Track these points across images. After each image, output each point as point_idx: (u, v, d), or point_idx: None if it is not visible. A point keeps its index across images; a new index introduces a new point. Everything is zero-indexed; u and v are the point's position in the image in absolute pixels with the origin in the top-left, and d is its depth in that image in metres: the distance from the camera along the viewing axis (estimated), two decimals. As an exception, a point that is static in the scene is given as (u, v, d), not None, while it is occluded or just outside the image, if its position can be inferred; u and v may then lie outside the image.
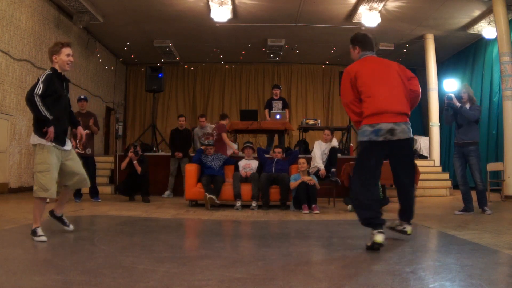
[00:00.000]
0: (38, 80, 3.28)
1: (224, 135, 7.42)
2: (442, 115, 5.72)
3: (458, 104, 5.31)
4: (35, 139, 3.31)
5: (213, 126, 8.16)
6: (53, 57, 3.40)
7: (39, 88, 3.22)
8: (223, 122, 7.72)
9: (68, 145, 3.48)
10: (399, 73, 3.21)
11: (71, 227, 3.68)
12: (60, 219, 3.68)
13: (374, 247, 2.92)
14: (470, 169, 5.42)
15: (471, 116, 5.26)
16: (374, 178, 3.10)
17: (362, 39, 3.34)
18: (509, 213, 5.67)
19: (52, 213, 3.67)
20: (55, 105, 3.34)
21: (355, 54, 3.36)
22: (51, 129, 3.25)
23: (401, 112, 3.07)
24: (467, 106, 5.35)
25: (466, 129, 5.32)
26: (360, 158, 3.19)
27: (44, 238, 3.17)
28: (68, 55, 3.42)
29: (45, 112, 3.22)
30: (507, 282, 2.23)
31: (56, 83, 3.35)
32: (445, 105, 5.42)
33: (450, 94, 5.43)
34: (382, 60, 3.30)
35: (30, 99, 3.21)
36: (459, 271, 2.41)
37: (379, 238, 2.91)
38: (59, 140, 3.36)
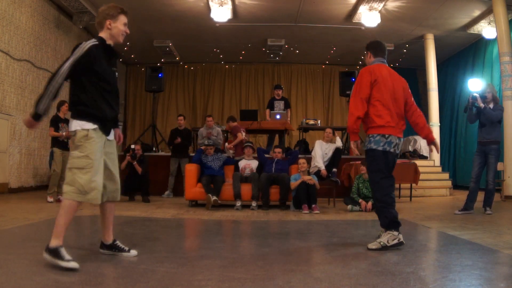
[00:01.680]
0: (73, 51, 2.58)
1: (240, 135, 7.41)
2: (465, 113, 5.79)
3: (482, 104, 5.37)
4: (76, 123, 2.55)
5: (219, 129, 8.03)
6: (107, 22, 2.68)
7: (68, 63, 2.51)
8: (234, 124, 7.73)
9: (111, 136, 2.74)
10: (404, 91, 3.36)
11: (133, 252, 2.80)
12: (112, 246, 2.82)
13: (400, 246, 3.07)
14: (486, 167, 5.46)
15: (494, 117, 5.34)
16: (389, 179, 3.27)
17: (375, 46, 3.45)
18: (509, 213, 5.67)
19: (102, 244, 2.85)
20: (97, 85, 2.60)
21: (368, 59, 3.48)
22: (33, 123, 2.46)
23: (403, 130, 3.32)
24: (491, 105, 5.42)
25: (489, 129, 5.39)
26: (375, 164, 3.26)
27: (74, 265, 2.36)
28: (125, 24, 2.73)
29: (48, 100, 2.44)
30: (507, 282, 2.23)
31: (101, 57, 2.63)
32: (469, 104, 5.50)
33: (475, 94, 5.49)
34: (393, 72, 3.39)
35: (52, 78, 2.47)
36: (459, 271, 2.41)
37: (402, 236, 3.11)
38: (106, 130, 2.63)
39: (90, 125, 2.55)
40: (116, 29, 2.70)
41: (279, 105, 9.09)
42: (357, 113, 3.18)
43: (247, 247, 3.39)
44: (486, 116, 5.35)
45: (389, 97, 3.21)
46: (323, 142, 6.43)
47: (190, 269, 2.45)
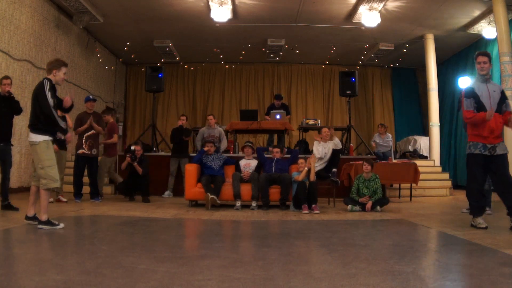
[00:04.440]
0: (44, 90, 3.83)
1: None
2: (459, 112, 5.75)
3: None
4: (38, 137, 3.84)
5: (221, 128, 8.03)
6: (54, 71, 3.96)
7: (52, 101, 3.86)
8: (112, 120, 7.58)
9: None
10: None
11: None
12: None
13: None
14: None
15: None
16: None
17: None
18: (509, 213, 5.65)
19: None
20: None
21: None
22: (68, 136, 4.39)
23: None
24: None
25: None
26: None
27: (62, 225, 3.86)
28: (64, 73, 4.04)
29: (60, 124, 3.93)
30: (507, 282, 2.23)
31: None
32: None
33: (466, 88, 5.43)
34: None
35: (49, 115, 3.85)
36: (459, 271, 2.41)
37: None
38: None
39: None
40: (59, 77, 4.01)
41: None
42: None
43: (247, 247, 3.39)
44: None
45: None
46: (321, 142, 6.44)
47: (190, 269, 2.45)
